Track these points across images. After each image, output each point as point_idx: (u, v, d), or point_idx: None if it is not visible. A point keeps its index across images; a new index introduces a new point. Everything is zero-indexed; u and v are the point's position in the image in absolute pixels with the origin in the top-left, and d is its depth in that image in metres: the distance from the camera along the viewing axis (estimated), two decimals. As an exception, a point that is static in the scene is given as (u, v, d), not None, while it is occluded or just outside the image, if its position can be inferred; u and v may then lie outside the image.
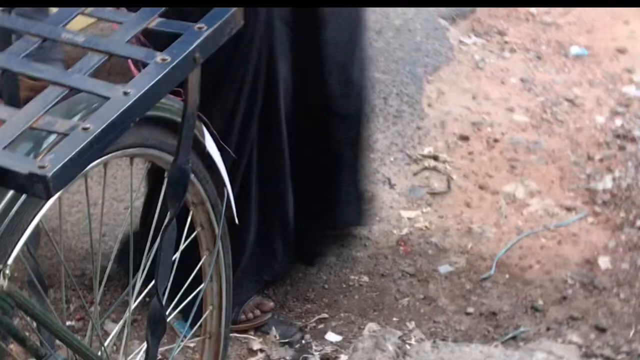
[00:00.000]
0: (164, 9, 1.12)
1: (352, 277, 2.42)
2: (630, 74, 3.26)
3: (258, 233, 2.19)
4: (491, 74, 3.25)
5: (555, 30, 3.55)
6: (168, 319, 1.30)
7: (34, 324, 1.21)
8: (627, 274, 2.46)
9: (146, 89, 1.03)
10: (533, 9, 3.67)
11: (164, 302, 1.26)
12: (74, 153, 0.96)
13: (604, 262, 2.49)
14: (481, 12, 3.61)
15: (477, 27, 3.53)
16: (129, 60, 1.10)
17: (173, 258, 1.28)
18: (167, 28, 1.12)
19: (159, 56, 1.06)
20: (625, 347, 2.22)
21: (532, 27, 3.57)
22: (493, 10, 3.64)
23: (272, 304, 2.28)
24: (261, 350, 2.21)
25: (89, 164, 1.03)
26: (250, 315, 2.24)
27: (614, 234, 2.59)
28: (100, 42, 1.08)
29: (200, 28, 1.10)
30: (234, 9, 1.13)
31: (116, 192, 2.46)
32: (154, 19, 1.11)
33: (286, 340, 2.22)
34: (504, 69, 3.30)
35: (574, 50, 3.42)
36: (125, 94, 1.02)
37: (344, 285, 2.40)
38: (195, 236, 1.48)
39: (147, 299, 1.36)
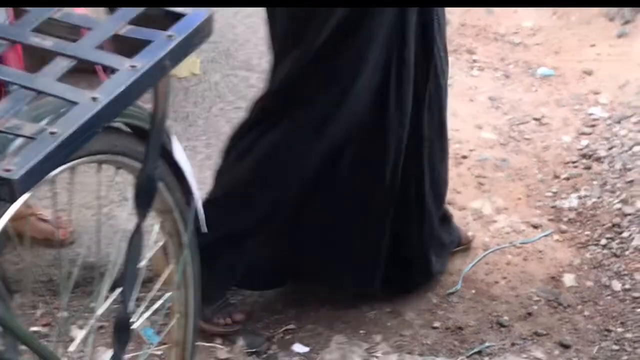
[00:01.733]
0: (134, 15, 1.12)
1: (320, 288, 2.42)
2: (596, 96, 3.29)
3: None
4: (460, 92, 3.27)
5: (523, 50, 3.59)
6: (134, 326, 1.30)
7: (-1, 329, 1.21)
8: (591, 292, 2.47)
9: (115, 95, 1.03)
10: (502, 29, 3.71)
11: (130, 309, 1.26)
12: (40, 157, 0.96)
13: (569, 279, 2.51)
14: (451, 30, 3.64)
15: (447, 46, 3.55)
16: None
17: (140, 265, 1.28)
18: (137, 35, 1.12)
19: (128, 63, 1.07)
20: (588, 364, 2.24)
21: (500, 47, 3.60)
22: (462, 29, 3.68)
23: (242, 315, 2.27)
24: (228, 360, 2.21)
25: (55, 169, 1.03)
26: (221, 321, 2.23)
27: (579, 251, 2.61)
28: (69, 46, 1.08)
29: (170, 36, 1.11)
30: (204, 17, 1.14)
31: (84, 199, 2.45)
32: (123, 26, 1.11)
33: (253, 350, 2.21)
34: (473, 87, 3.33)
35: (542, 70, 3.45)
36: (94, 99, 1.02)
37: (312, 297, 2.40)
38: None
39: (115, 305, 1.36)
